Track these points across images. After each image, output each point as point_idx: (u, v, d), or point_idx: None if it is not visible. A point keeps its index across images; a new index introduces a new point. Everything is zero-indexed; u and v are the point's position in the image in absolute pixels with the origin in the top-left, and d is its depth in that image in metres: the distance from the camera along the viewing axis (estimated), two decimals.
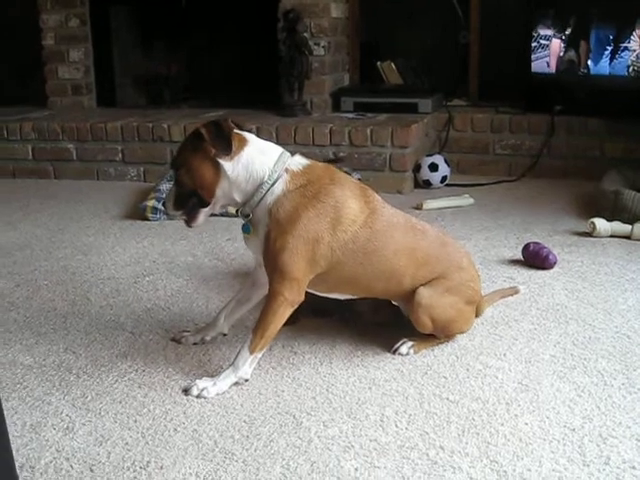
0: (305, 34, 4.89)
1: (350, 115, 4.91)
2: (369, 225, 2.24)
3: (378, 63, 5.32)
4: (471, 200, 4.18)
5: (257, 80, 5.34)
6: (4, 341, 2.52)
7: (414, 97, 4.93)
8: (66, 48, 5.57)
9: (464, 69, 5.30)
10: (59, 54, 5.59)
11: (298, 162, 2.25)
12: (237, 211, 2.31)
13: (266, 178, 2.20)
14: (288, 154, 2.27)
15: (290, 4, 4.91)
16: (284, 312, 2.19)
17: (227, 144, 2.17)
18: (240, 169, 2.20)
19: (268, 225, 2.19)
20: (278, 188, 2.19)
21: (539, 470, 1.75)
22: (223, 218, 3.71)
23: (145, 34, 5.70)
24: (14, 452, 1.82)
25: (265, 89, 5.20)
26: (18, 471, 1.77)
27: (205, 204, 2.25)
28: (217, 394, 2.12)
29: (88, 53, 5.61)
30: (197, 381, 2.15)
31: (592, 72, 4.74)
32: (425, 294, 2.32)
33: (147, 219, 3.94)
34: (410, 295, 2.34)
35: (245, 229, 2.28)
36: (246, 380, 2.17)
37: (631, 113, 4.47)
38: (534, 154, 4.75)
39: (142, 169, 4.85)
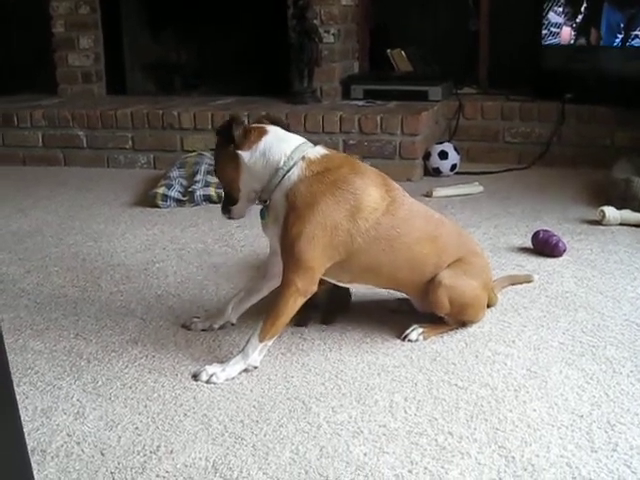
0: (315, 21, 4.88)
1: (360, 103, 4.90)
2: (391, 212, 2.26)
3: (388, 51, 5.31)
4: (481, 188, 4.17)
5: (267, 67, 5.33)
6: (15, 327, 2.54)
7: (424, 85, 4.92)
8: (76, 35, 5.57)
9: (474, 57, 5.28)
10: (69, 41, 5.59)
11: (317, 151, 2.27)
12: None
13: (281, 164, 2.22)
14: (310, 144, 2.30)
15: None
16: (296, 301, 2.19)
17: (229, 135, 2.24)
18: (257, 156, 2.25)
19: (286, 209, 2.21)
20: (294, 174, 2.21)
21: (547, 456, 1.75)
22: None
23: (155, 21, 5.70)
24: (25, 436, 1.84)
25: (275, 76, 5.19)
26: (29, 455, 1.78)
27: (232, 202, 2.34)
28: (226, 380, 2.13)
29: (98, 40, 5.60)
30: (206, 367, 2.16)
31: (602, 60, 4.71)
32: (446, 274, 2.33)
33: (157, 206, 3.95)
34: (429, 286, 2.34)
35: (262, 215, 2.30)
36: (255, 367, 2.18)
37: None
38: (544, 142, 4.73)
39: (152, 156, 4.86)
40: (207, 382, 2.12)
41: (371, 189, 2.24)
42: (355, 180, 2.23)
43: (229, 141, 2.25)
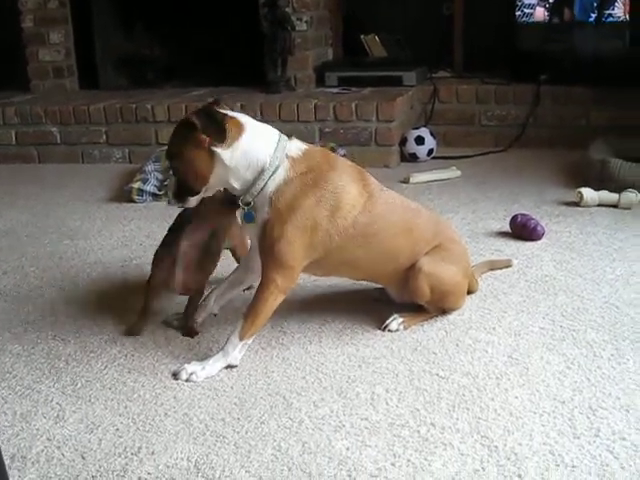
0: (287, 9, 4.84)
1: (334, 90, 4.88)
2: (368, 209, 2.24)
3: (362, 37, 5.29)
4: (458, 172, 4.17)
5: (240, 57, 5.29)
6: None
7: (398, 70, 4.90)
8: (46, 30, 5.51)
9: (448, 40, 5.27)
10: (39, 36, 5.53)
11: (297, 147, 2.21)
12: (238, 198, 2.24)
13: (267, 165, 2.15)
14: (285, 137, 2.22)
15: None
16: (275, 299, 2.18)
17: (221, 131, 2.10)
18: (239, 157, 2.14)
19: (268, 213, 2.16)
20: (280, 175, 2.15)
21: (530, 444, 1.75)
22: None
23: (126, 14, 5.64)
24: (5, 442, 1.83)
25: (249, 66, 5.15)
26: (9, 461, 1.77)
27: (192, 193, 2.21)
28: (206, 378, 2.11)
29: (68, 35, 5.55)
30: (186, 365, 2.14)
31: (576, 40, 4.72)
32: (425, 261, 2.33)
33: (133, 201, 3.91)
34: (408, 274, 2.34)
35: (248, 217, 2.22)
36: (235, 366, 2.16)
37: (616, 81, 4.46)
38: (520, 124, 4.73)
39: (127, 150, 4.82)
40: (187, 381, 2.10)
41: (349, 186, 2.21)
42: (334, 178, 2.19)
43: (216, 139, 2.10)
